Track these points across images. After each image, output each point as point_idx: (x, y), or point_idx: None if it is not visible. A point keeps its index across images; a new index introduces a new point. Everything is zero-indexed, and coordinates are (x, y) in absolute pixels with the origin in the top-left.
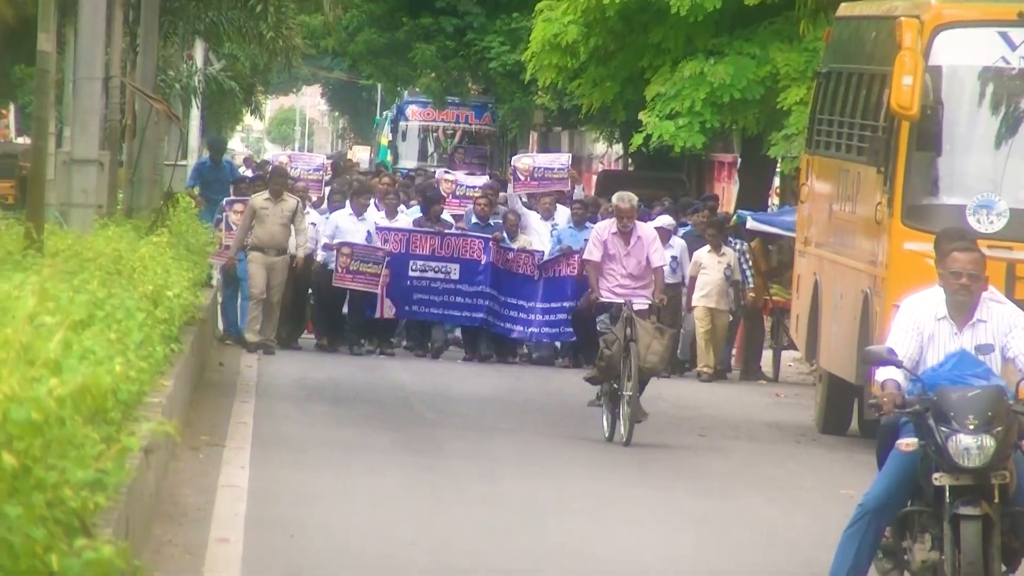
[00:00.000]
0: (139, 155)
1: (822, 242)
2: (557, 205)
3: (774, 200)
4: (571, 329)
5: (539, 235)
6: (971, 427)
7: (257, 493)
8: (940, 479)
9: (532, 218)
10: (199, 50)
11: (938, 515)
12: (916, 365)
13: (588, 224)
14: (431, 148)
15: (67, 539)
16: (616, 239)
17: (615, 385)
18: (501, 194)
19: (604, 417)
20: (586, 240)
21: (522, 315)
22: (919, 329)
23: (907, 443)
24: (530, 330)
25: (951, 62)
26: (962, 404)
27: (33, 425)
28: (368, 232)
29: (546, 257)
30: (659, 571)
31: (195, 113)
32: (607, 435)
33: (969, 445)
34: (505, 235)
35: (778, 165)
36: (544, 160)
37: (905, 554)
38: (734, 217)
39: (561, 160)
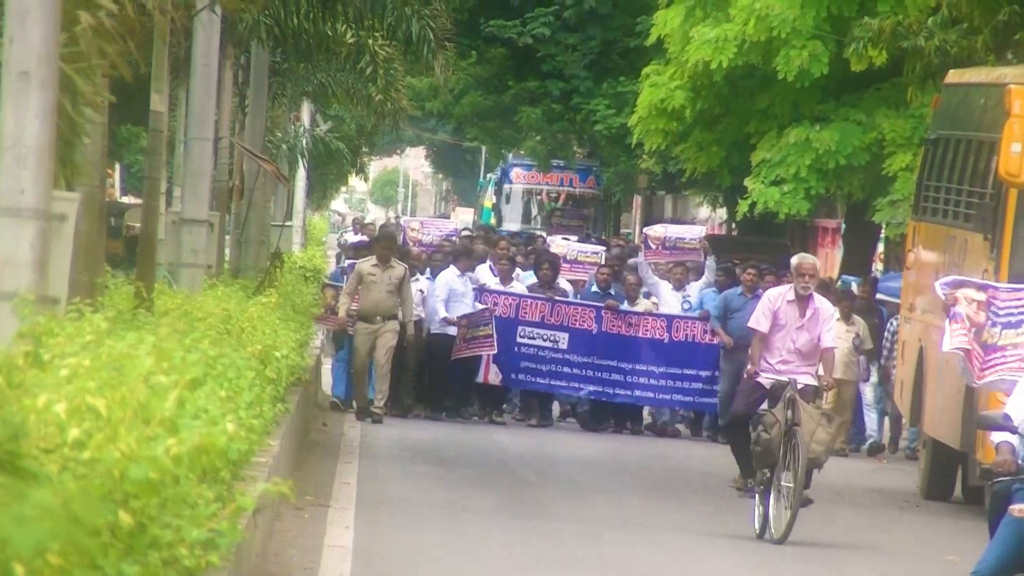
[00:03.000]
0: (247, 216)
1: (928, 308)
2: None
3: (878, 266)
4: (708, 400)
5: (670, 306)
6: None
7: (362, 553)
8: None
9: (663, 287)
10: (306, 111)
11: None
12: None
13: (730, 288)
14: (535, 211)
15: None
16: (791, 309)
17: (769, 474)
18: (631, 260)
19: (755, 509)
20: (717, 309)
21: (652, 381)
22: None
23: (1020, 509)
24: (660, 396)
25: None
26: None
27: (150, 484)
28: (474, 292)
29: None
30: None
31: (301, 174)
32: (757, 531)
33: None
34: (626, 301)
35: (882, 231)
36: (677, 230)
37: None
38: (838, 283)
39: (694, 231)
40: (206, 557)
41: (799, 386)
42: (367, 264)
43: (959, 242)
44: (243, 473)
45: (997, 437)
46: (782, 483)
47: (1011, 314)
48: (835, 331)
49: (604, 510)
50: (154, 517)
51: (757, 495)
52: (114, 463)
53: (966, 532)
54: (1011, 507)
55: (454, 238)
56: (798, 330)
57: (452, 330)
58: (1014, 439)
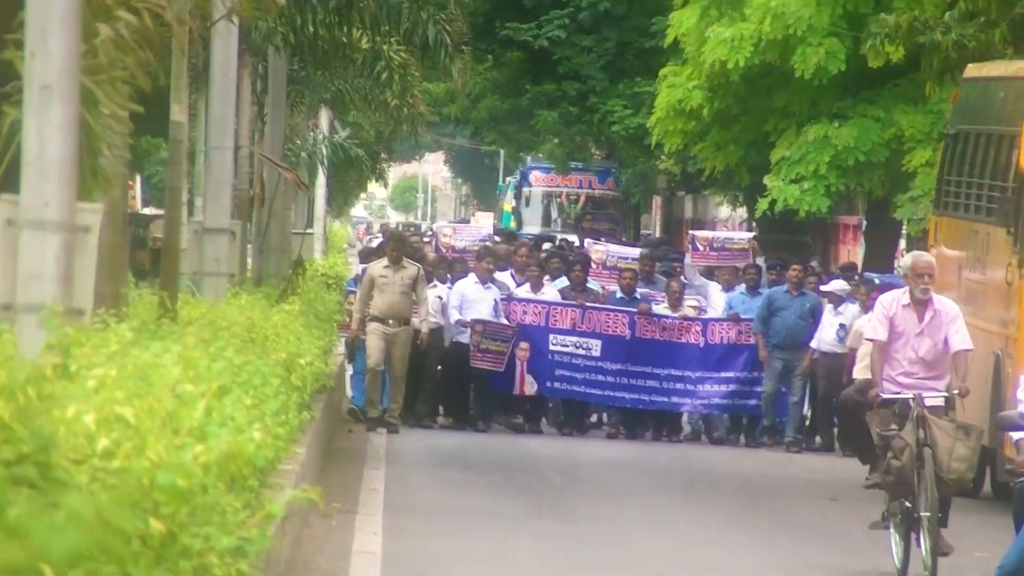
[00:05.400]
0: (268, 224)
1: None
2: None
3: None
4: (744, 402)
5: (718, 307)
6: None
7: (391, 559)
8: None
9: (712, 288)
10: (324, 118)
11: None
12: None
13: (760, 291)
14: (555, 214)
15: None
16: (907, 313)
17: (907, 504)
18: (684, 262)
19: (893, 543)
20: (762, 308)
21: (688, 387)
22: None
23: None
24: (698, 402)
25: None
26: None
27: (179, 492)
28: (495, 301)
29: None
30: None
31: (320, 181)
32: (899, 567)
33: None
34: (663, 305)
35: (904, 227)
36: (725, 234)
37: None
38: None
39: (742, 233)
40: (236, 565)
41: (928, 404)
42: (378, 266)
43: (982, 236)
44: (270, 481)
45: (1016, 435)
46: (920, 513)
47: None
48: (964, 331)
49: (632, 512)
50: (184, 525)
51: (892, 527)
52: (143, 472)
53: (995, 528)
54: None
55: (488, 243)
56: (918, 336)
57: (467, 338)
58: None
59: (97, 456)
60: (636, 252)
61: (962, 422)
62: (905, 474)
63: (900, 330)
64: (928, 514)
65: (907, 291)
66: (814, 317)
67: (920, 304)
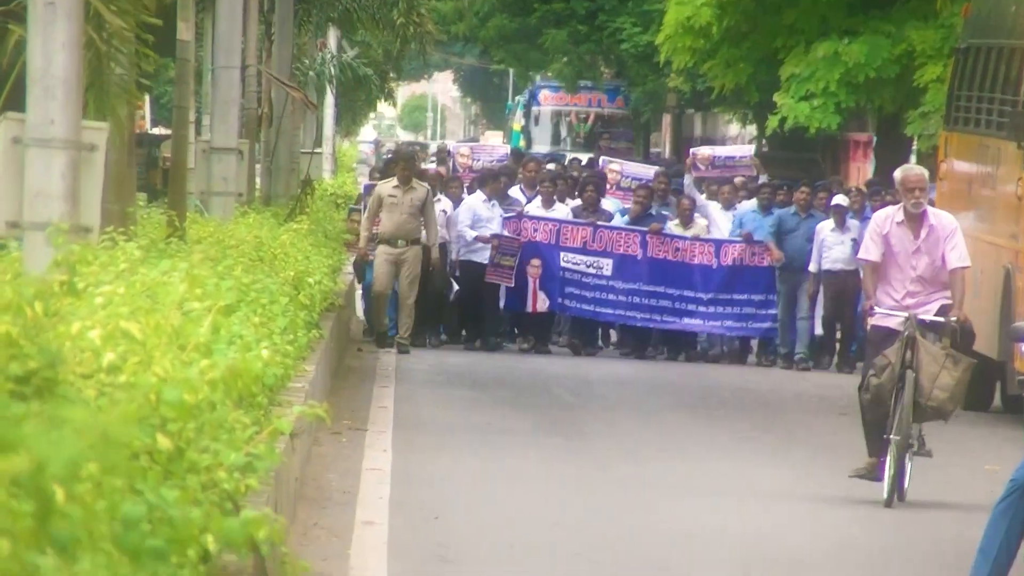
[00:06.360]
0: (276, 143)
1: (962, 219)
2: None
3: None
4: (759, 325)
5: (720, 226)
6: None
7: (400, 476)
8: None
9: (712, 208)
10: (332, 37)
11: None
12: None
13: (773, 210)
14: (564, 133)
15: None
16: (902, 231)
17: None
18: (684, 181)
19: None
20: (772, 227)
21: (700, 308)
22: None
23: None
24: (710, 323)
25: None
26: None
27: (186, 407)
28: (500, 218)
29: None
30: (806, 552)
31: (329, 100)
32: (885, 496)
33: None
34: (676, 223)
35: (915, 143)
36: (725, 150)
37: None
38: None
39: (744, 150)
40: (245, 481)
41: (925, 319)
42: (387, 186)
43: (992, 151)
44: (279, 398)
45: None
46: (891, 436)
47: None
48: (962, 247)
49: (642, 429)
50: (192, 441)
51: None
52: (150, 387)
53: (1005, 441)
54: None
55: (506, 162)
56: (915, 254)
57: (478, 256)
58: None
59: (103, 371)
60: (650, 173)
61: (953, 351)
62: (882, 393)
63: (896, 249)
64: (898, 438)
65: (901, 207)
66: None
67: (914, 220)
